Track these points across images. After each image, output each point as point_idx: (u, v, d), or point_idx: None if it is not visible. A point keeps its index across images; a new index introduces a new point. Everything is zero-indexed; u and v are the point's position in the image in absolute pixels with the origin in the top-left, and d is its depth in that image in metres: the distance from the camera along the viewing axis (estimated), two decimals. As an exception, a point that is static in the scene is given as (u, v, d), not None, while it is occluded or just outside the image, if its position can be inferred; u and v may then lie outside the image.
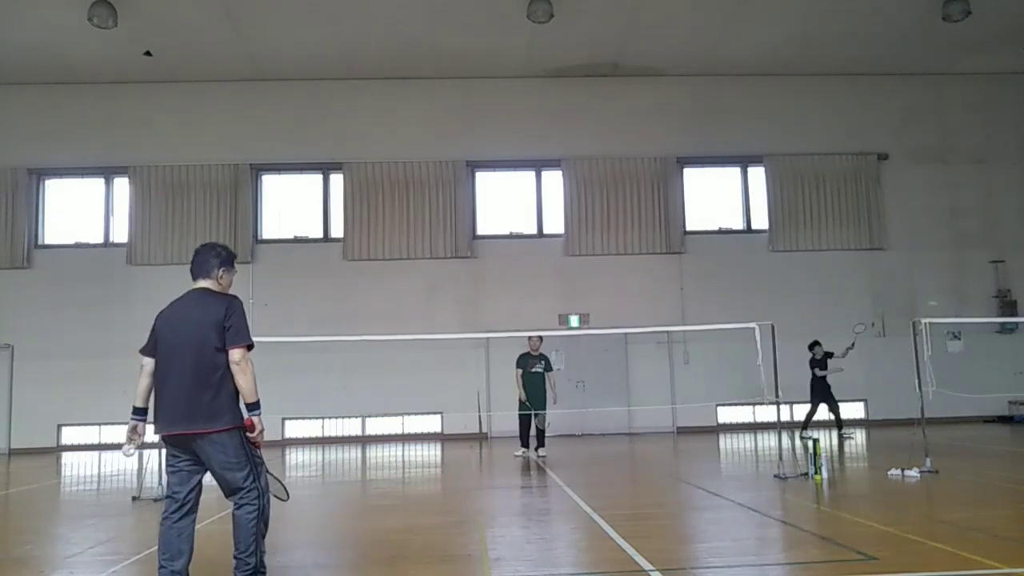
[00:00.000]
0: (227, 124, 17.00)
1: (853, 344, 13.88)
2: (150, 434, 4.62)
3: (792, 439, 14.01)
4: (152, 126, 16.92)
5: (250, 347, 4.42)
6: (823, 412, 14.30)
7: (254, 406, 4.41)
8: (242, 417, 4.40)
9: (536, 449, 12.40)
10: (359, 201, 16.90)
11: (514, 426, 12.72)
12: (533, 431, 12.46)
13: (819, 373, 14.17)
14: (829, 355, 14.26)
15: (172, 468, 4.44)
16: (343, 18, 14.69)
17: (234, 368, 4.34)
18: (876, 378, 16.36)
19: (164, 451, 4.48)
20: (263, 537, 4.50)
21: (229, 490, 4.43)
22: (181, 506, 4.39)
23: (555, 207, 17.35)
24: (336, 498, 8.97)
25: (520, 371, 12.45)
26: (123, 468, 12.86)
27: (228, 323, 4.35)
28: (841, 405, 17.25)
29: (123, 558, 5.74)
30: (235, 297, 4.53)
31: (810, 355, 14.29)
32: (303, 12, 14.44)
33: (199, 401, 4.30)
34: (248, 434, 4.43)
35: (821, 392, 14.14)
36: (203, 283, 4.58)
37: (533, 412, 12.31)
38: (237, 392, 4.38)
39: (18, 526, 7.73)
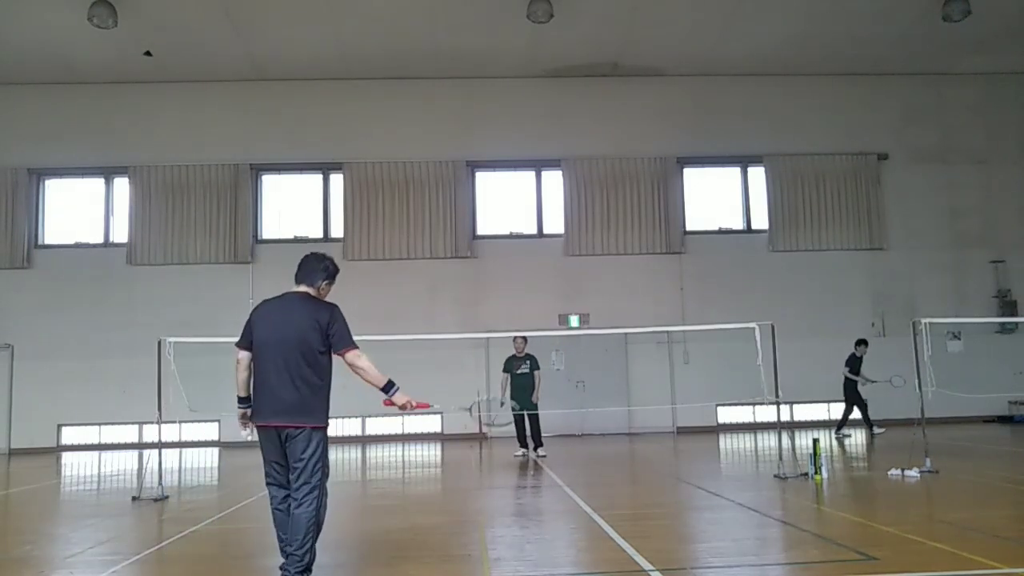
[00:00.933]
0: (227, 124, 16.98)
1: (874, 382, 14.27)
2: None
3: (789, 440, 13.97)
4: (152, 126, 16.92)
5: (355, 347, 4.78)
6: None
7: (389, 386, 4.84)
8: (328, 419, 4.74)
9: (535, 449, 12.40)
10: (359, 201, 16.90)
11: (514, 426, 12.73)
12: (528, 431, 12.47)
13: (848, 375, 14.45)
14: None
15: (270, 455, 4.73)
16: (343, 18, 14.69)
17: (355, 368, 4.73)
18: (876, 378, 16.31)
19: (260, 439, 4.76)
20: (316, 537, 4.70)
21: (299, 483, 4.64)
22: (288, 494, 4.70)
23: (555, 207, 17.34)
24: (336, 498, 8.93)
25: (507, 375, 12.49)
26: (123, 468, 12.86)
27: (332, 329, 4.70)
28: (842, 405, 17.31)
29: (123, 558, 5.74)
30: (335, 305, 4.86)
31: (851, 352, 14.56)
32: (303, 12, 14.44)
33: (299, 397, 4.63)
34: (402, 409, 4.91)
35: (852, 389, 14.46)
36: (304, 288, 4.90)
37: (525, 413, 12.33)
38: (329, 394, 4.75)
39: (18, 526, 7.73)
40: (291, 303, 4.83)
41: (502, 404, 12.50)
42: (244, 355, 4.81)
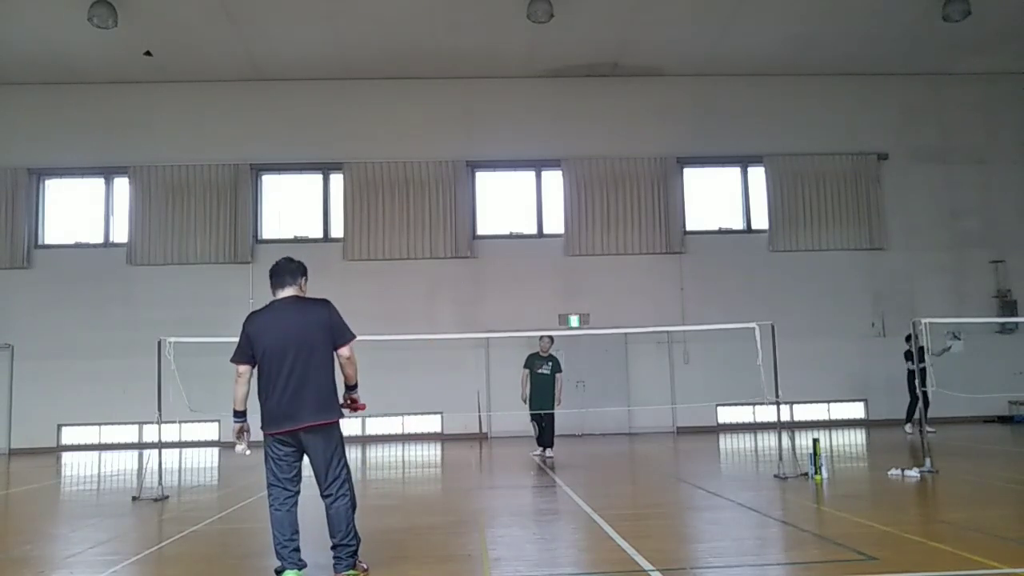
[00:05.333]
0: (227, 124, 16.98)
1: (946, 349, 13.80)
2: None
3: (789, 440, 13.97)
4: (152, 126, 16.91)
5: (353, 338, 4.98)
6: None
7: (355, 387, 5.06)
8: (341, 411, 4.94)
9: (544, 450, 12.27)
10: (359, 201, 16.90)
11: (513, 426, 12.71)
12: (544, 430, 12.42)
13: (909, 367, 14.06)
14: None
15: (282, 462, 4.85)
16: (343, 18, 14.69)
17: (345, 361, 4.93)
18: (876, 378, 16.35)
19: (270, 446, 4.85)
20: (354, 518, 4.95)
21: (327, 480, 4.84)
22: (293, 494, 4.87)
23: (555, 207, 17.34)
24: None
25: (527, 371, 12.37)
26: (123, 468, 12.87)
27: (333, 323, 4.88)
28: (841, 405, 17.33)
29: (123, 558, 5.74)
30: (327, 300, 5.01)
31: (906, 347, 14.25)
32: (303, 12, 14.44)
33: (317, 396, 4.78)
34: (357, 408, 5.07)
35: (911, 380, 14.11)
36: (290, 291, 4.97)
37: (541, 412, 12.28)
38: (335, 388, 4.89)
39: (18, 526, 7.73)
40: (288, 308, 4.90)
41: (525, 401, 12.34)
42: (245, 369, 4.88)
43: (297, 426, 4.75)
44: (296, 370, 4.75)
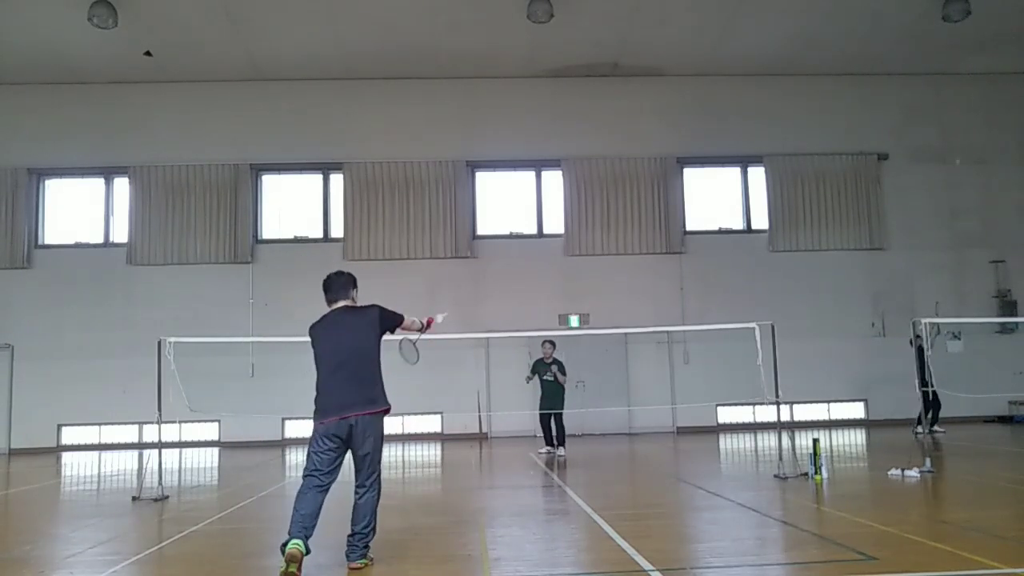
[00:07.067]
0: (227, 124, 16.98)
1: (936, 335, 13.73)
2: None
3: (789, 440, 13.95)
4: (152, 126, 16.92)
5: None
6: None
7: (421, 327, 6.09)
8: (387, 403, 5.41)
9: (556, 448, 12.64)
10: (359, 201, 16.90)
11: (513, 426, 12.94)
12: (554, 431, 12.69)
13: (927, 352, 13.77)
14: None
15: (325, 455, 5.19)
16: (343, 18, 14.69)
17: (409, 323, 5.81)
18: (876, 378, 16.34)
19: (317, 441, 5.21)
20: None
21: (366, 471, 5.33)
22: (324, 484, 5.20)
23: (555, 207, 17.34)
24: (336, 498, 8.94)
25: (535, 376, 12.85)
26: (123, 468, 12.86)
27: (383, 318, 5.48)
28: (841, 405, 17.33)
29: (123, 558, 5.74)
30: (375, 304, 5.59)
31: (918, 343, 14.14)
32: (303, 12, 14.45)
33: (369, 389, 5.33)
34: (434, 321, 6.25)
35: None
36: (343, 303, 5.53)
37: (552, 413, 12.64)
38: (383, 384, 5.43)
39: (18, 526, 7.73)
40: (339, 316, 5.46)
41: (528, 380, 13.00)
42: None
43: (346, 414, 5.15)
44: (345, 369, 5.25)
